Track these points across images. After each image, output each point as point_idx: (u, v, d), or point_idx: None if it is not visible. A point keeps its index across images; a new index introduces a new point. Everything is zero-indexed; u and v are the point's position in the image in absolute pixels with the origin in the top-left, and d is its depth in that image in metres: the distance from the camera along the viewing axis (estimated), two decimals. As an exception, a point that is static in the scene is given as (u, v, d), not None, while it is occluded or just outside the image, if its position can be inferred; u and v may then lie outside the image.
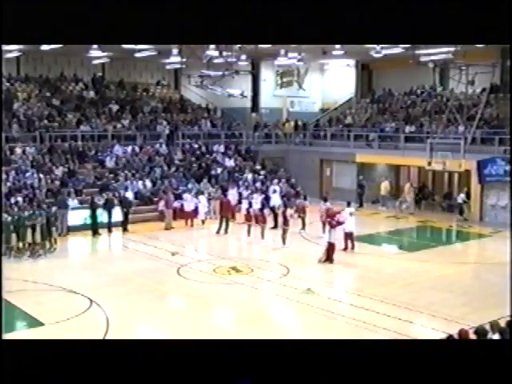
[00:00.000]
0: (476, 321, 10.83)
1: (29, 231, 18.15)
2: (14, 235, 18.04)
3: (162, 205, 24.22)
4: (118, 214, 22.43)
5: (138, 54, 30.11)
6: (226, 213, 22.47)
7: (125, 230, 22.35)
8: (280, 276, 16.42)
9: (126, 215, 22.58)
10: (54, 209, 20.01)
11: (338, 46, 28.08)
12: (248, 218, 22.30)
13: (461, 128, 26.93)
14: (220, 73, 27.64)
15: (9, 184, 22.48)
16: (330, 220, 18.33)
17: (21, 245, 18.22)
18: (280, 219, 21.19)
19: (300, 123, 34.23)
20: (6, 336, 9.78)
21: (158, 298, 14.52)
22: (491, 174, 23.83)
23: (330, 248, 17.84)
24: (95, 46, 26.79)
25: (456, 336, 8.45)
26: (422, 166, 26.00)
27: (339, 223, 18.20)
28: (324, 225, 20.31)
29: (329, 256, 17.81)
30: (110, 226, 22.02)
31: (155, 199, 24.93)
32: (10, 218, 18.25)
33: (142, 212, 24.17)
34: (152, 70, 36.73)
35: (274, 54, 29.83)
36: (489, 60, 27.11)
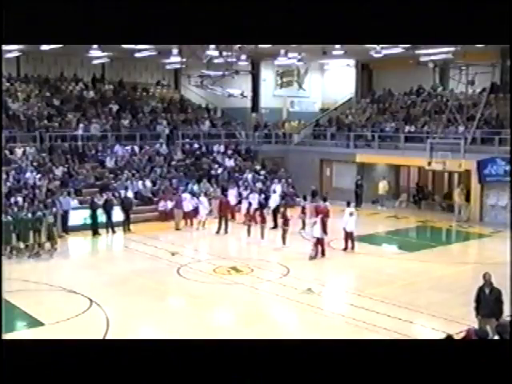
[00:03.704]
0: (476, 321, 10.84)
1: (31, 232, 18.15)
2: (13, 235, 18.05)
3: (162, 205, 24.28)
4: (118, 214, 22.42)
5: (137, 54, 30.13)
6: (226, 213, 22.47)
7: (128, 230, 22.33)
8: (280, 276, 16.42)
9: (127, 215, 22.56)
10: (54, 209, 20.04)
11: (337, 46, 28.08)
12: (249, 218, 22.29)
13: (461, 128, 26.94)
14: (220, 73, 27.65)
15: (9, 184, 22.49)
16: (323, 216, 18.67)
17: (22, 245, 18.23)
18: (280, 219, 21.22)
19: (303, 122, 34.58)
20: (6, 336, 9.77)
21: (158, 298, 14.52)
22: (491, 174, 23.85)
23: (320, 243, 18.09)
24: (95, 46, 26.80)
25: (458, 335, 8.45)
26: (422, 165, 26.03)
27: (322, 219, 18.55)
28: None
29: (321, 251, 18.21)
30: (110, 226, 21.99)
31: (155, 199, 24.97)
32: (10, 218, 18.24)
33: (142, 212, 24.18)
34: (152, 70, 36.74)
35: (274, 54, 29.84)
36: (489, 60, 27.12)
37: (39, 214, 18.58)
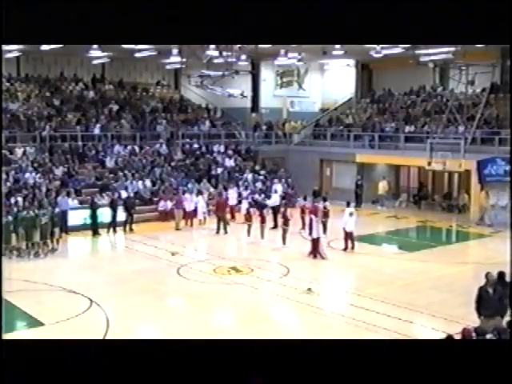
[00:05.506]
0: (476, 321, 10.83)
1: (34, 231, 18.14)
2: (13, 235, 18.04)
3: (162, 205, 24.27)
4: (119, 214, 22.38)
5: (137, 54, 30.12)
6: (222, 212, 22.44)
7: (131, 230, 22.30)
8: (280, 276, 16.42)
9: (130, 215, 22.56)
10: (56, 209, 20.02)
11: (337, 46, 28.07)
12: (248, 217, 22.26)
13: (461, 128, 26.93)
14: (220, 73, 27.62)
15: (9, 184, 22.48)
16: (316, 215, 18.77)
17: (23, 245, 18.23)
18: (280, 219, 21.19)
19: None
20: (6, 336, 9.76)
21: (158, 298, 14.52)
22: (491, 174, 23.82)
23: (316, 243, 18.15)
24: (95, 46, 26.79)
25: (458, 335, 8.45)
26: (422, 165, 26.01)
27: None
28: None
29: (315, 250, 18.21)
30: (114, 226, 21.99)
31: (155, 199, 24.96)
32: (10, 218, 18.23)
33: (142, 212, 24.15)
34: (152, 70, 36.71)
35: (274, 54, 29.83)
36: (489, 60, 27.10)
37: (38, 213, 18.59)
